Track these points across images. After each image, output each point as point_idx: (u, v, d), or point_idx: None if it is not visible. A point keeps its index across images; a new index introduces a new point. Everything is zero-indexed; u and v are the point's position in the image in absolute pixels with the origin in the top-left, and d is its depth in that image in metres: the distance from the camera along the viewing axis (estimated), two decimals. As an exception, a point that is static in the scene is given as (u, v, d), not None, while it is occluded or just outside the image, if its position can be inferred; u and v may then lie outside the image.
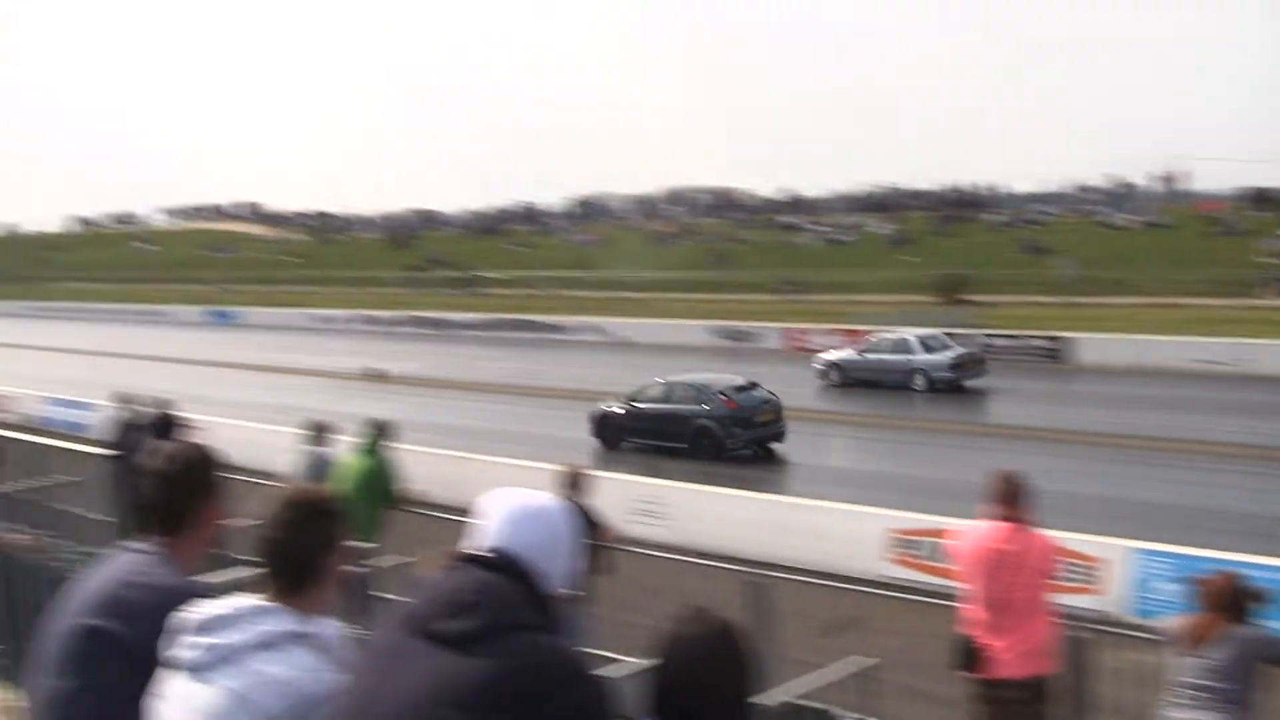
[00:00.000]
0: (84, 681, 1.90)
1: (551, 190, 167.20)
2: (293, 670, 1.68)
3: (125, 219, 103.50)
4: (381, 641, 1.62)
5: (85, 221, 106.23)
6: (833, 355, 20.67)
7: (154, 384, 16.04)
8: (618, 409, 14.80)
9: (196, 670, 1.69)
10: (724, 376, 15.12)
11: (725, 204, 71.55)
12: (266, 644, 1.70)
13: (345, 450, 7.49)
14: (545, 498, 1.71)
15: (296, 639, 1.71)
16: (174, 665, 1.72)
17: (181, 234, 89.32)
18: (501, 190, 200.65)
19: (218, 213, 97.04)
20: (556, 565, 1.64)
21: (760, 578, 4.96)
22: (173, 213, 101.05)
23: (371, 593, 5.60)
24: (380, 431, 7.63)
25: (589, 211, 77.30)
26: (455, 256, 57.49)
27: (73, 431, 16.20)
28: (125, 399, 9.58)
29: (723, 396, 14.17)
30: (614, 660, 3.90)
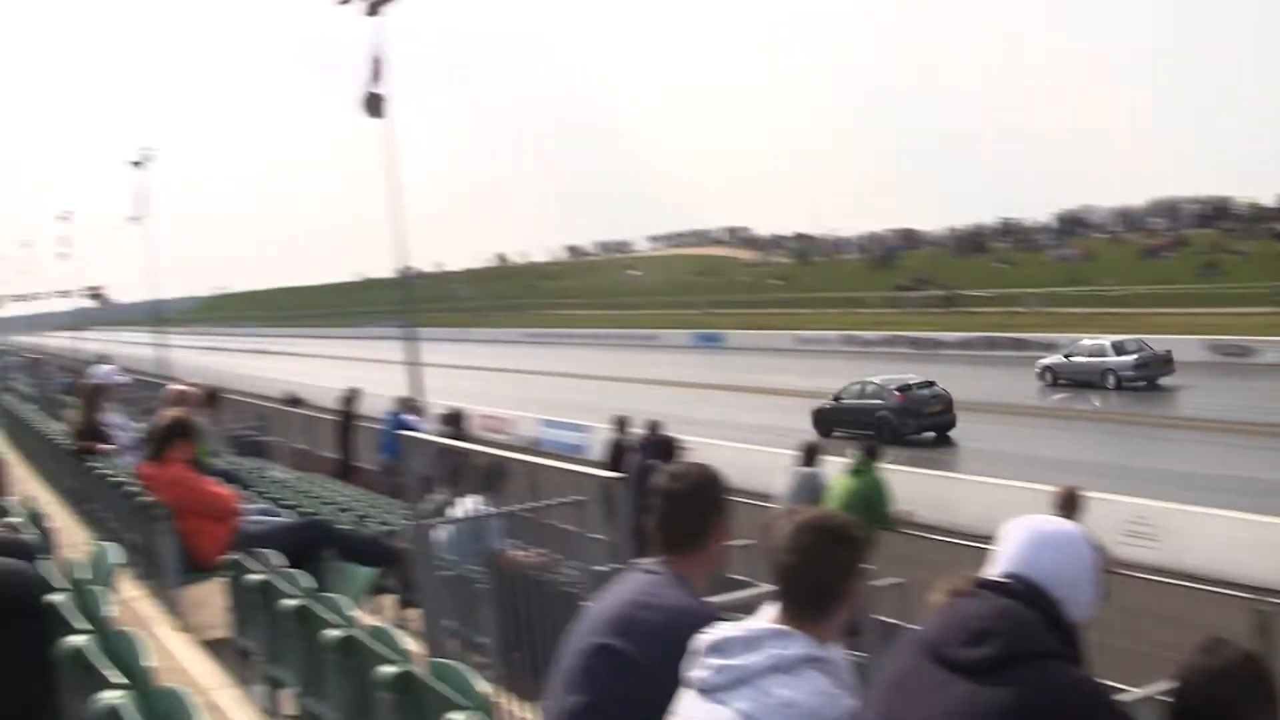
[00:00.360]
0: (596, 698, 2.63)
1: (1031, 204, 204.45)
2: (806, 694, 2.24)
3: (612, 246, 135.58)
4: (897, 668, 2.20)
5: (573, 250, 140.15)
6: (1047, 360, 34.14)
7: (647, 407, 21.14)
8: (828, 405, 27.13)
9: (710, 691, 2.32)
10: (901, 376, 27.17)
11: (1217, 213, 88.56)
12: (780, 667, 2.28)
13: (835, 471, 10.46)
14: (1066, 524, 2.32)
15: (810, 663, 2.29)
16: (689, 686, 2.36)
17: (668, 259, 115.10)
18: (981, 206, 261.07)
19: (702, 238, 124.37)
20: (1078, 592, 2.21)
21: (1270, 605, 6.54)
22: (658, 239, 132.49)
23: (866, 615, 7.38)
24: (870, 453, 10.79)
25: (1070, 226, 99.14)
26: (937, 274, 75.03)
27: (568, 453, 23.67)
28: (620, 421, 13.99)
29: (897, 392, 25.70)
30: (1114, 688, 5.03)
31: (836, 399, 27.20)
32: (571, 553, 5.22)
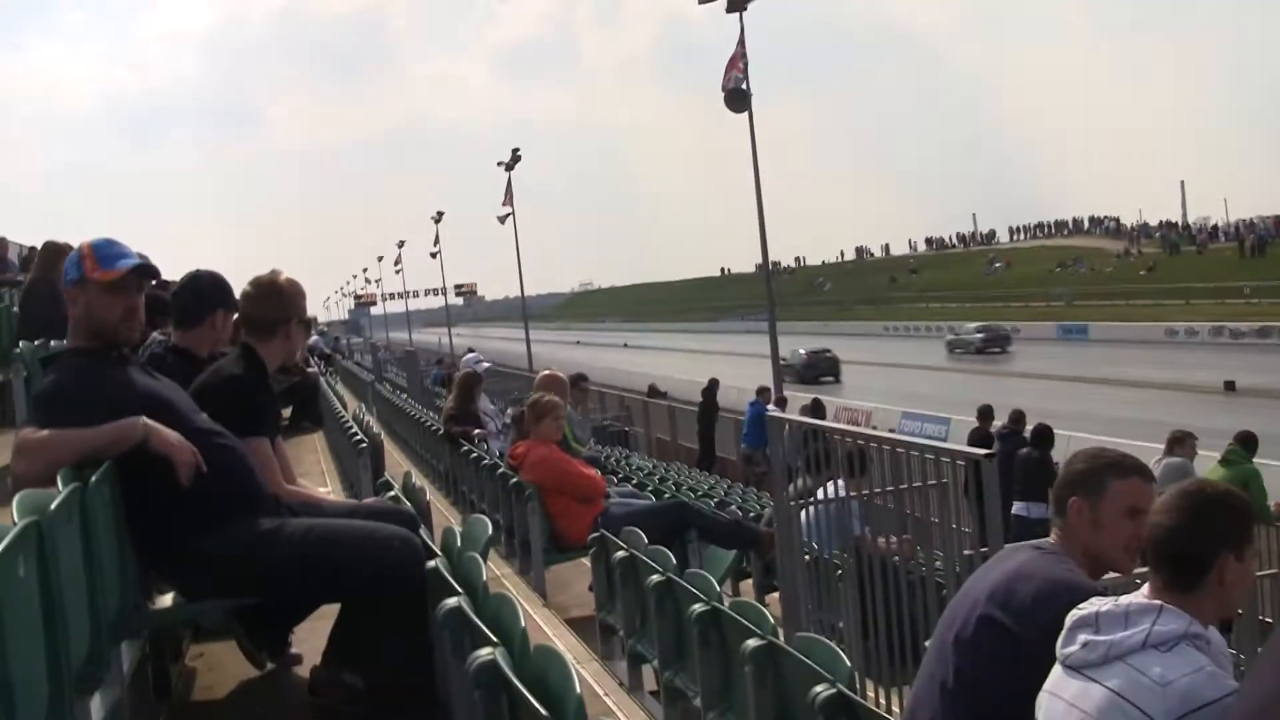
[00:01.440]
0: (971, 669, 2.74)
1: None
2: (1182, 672, 2.22)
3: (971, 238, 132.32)
4: None
5: (933, 242, 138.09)
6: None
7: (1008, 399, 20.37)
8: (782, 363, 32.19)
9: (1080, 668, 2.34)
10: (811, 347, 52.34)
11: None
12: (1155, 643, 2.28)
13: (1206, 463, 10.35)
14: None
15: (1188, 639, 2.28)
16: (1062, 661, 2.39)
17: (1031, 251, 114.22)
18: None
19: (1066, 228, 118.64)
20: None
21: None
22: (1021, 230, 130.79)
23: (1239, 608, 7.09)
24: (1245, 445, 10.68)
25: None
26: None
27: (931, 440, 23.87)
28: (984, 412, 15.14)
29: (804, 354, 51.48)
30: None
31: (784, 362, 34.19)
32: (933, 541, 5.14)
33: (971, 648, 2.74)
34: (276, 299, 4.22)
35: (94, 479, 3.07)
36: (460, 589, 3.11)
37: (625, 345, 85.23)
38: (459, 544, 3.81)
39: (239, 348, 4.21)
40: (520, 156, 58.60)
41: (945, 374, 47.42)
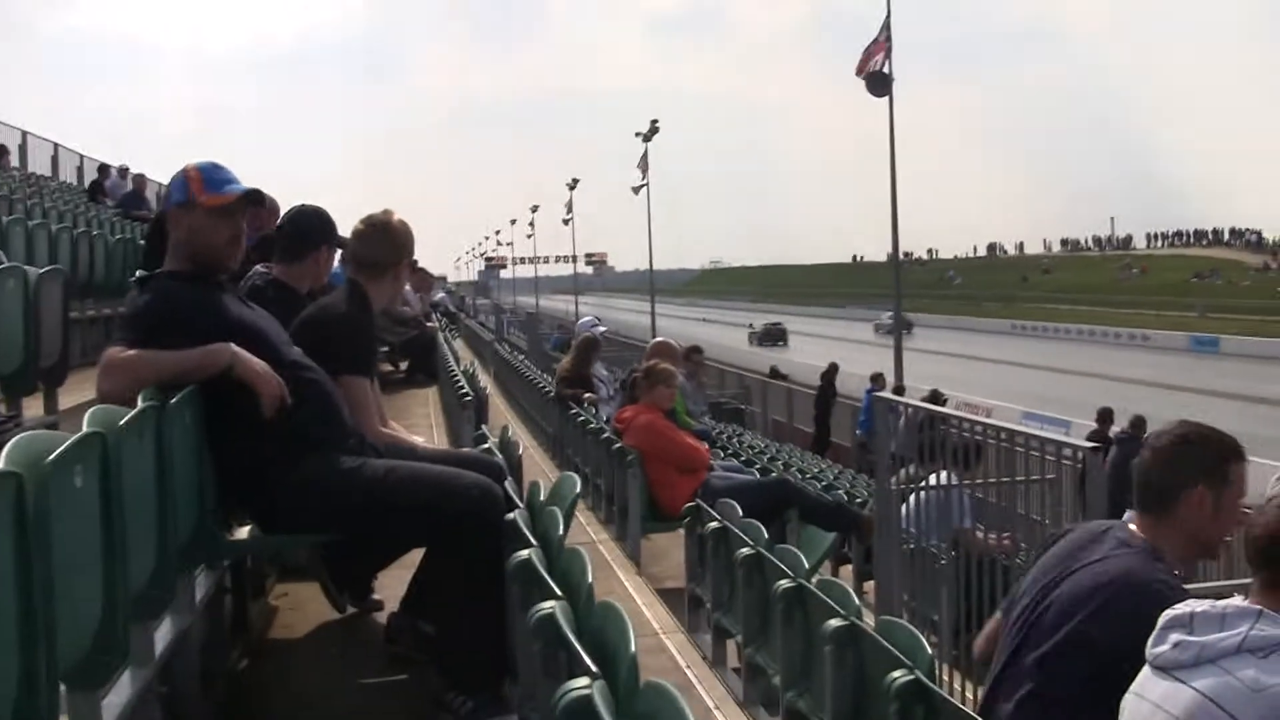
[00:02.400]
0: (1065, 682, 2.63)
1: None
2: (1277, 679, 2.12)
3: (1107, 242, 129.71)
4: None
5: (1069, 244, 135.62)
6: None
7: (1127, 406, 20.34)
8: (754, 331, 74.94)
9: (1171, 668, 2.25)
10: (769, 319, 79.81)
11: None
12: (1252, 647, 2.17)
13: None
14: None
15: None
16: (1151, 661, 2.31)
17: (1167, 259, 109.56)
18: None
19: (1206, 238, 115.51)
20: None
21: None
22: (1159, 238, 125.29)
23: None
24: None
25: None
26: None
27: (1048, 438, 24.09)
28: (1104, 415, 15.72)
29: (762, 325, 77.70)
30: None
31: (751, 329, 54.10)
32: (1038, 540, 4.95)
33: (1059, 659, 2.65)
34: (389, 239, 4.20)
35: (174, 400, 3.04)
36: (535, 542, 3.04)
37: (751, 327, 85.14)
38: (543, 497, 3.74)
39: (347, 285, 4.19)
40: (658, 128, 58.46)
41: (1069, 377, 46.46)
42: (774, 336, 74.46)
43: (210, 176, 3.55)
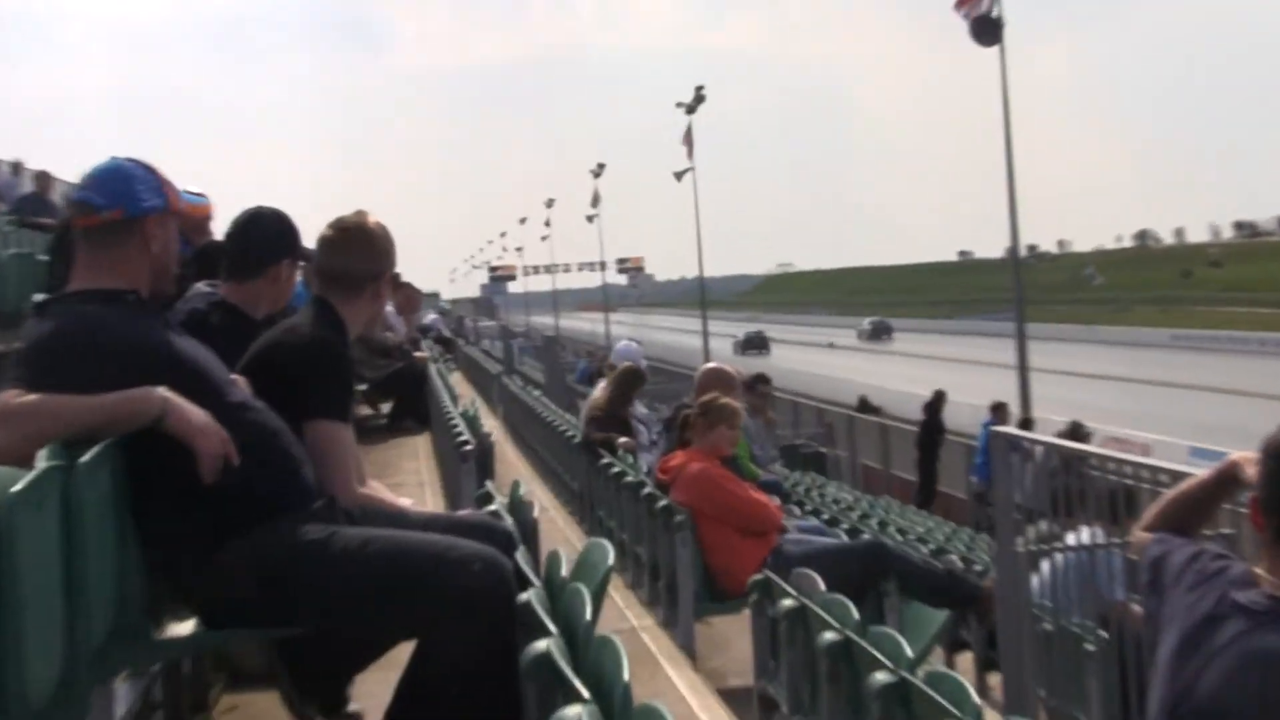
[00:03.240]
0: None
1: None
2: None
3: None
4: None
5: (1244, 226, 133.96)
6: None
7: None
8: (741, 339, 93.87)
9: None
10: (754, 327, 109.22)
11: None
12: None
13: None
14: None
15: None
16: None
17: None
18: None
19: None
20: None
21: None
22: None
23: None
24: None
25: None
26: None
27: None
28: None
29: (745, 333, 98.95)
30: None
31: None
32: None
33: None
34: (365, 248, 4.24)
35: (86, 459, 3.03)
36: (555, 630, 3.02)
37: (831, 345, 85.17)
38: (565, 572, 3.72)
39: (313, 306, 4.20)
40: (704, 96, 58.63)
41: (1256, 402, 45.93)
42: (755, 343, 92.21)
43: (167, 182, 3.66)
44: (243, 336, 4.29)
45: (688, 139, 59.95)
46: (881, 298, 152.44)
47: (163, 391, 3.32)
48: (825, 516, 11.24)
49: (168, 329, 3.64)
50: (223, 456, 3.36)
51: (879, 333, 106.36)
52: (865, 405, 33.11)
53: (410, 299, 15.04)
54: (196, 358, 3.61)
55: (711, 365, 10.50)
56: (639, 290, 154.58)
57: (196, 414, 3.35)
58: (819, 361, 75.63)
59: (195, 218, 4.97)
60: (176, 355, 3.53)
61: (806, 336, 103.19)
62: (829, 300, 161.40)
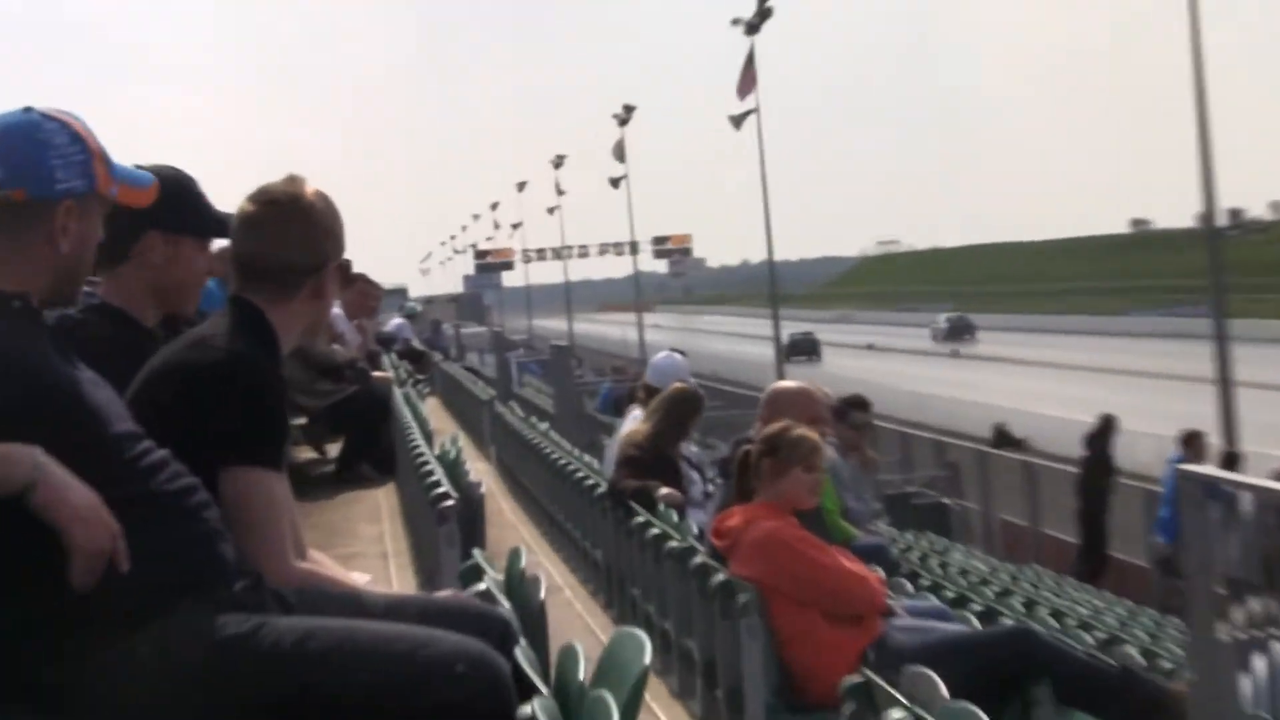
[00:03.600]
0: None
1: None
2: None
3: None
4: None
5: None
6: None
7: None
8: (787, 342, 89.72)
9: None
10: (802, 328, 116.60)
11: None
12: None
13: None
14: None
15: None
16: None
17: None
18: None
19: None
20: None
21: None
22: None
23: None
24: None
25: None
26: None
27: None
28: None
29: (793, 335, 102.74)
30: None
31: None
32: None
33: None
34: (302, 228, 4.23)
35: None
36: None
37: (955, 354, 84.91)
38: (584, 674, 3.74)
39: (231, 309, 4.19)
40: (771, 9, 58.36)
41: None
42: (803, 349, 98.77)
43: (106, 154, 3.77)
44: (132, 352, 4.29)
45: (747, 73, 59.66)
46: (1021, 285, 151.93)
47: (36, 454, 3.32)
48: (949, 594, 11.22)
49: (57, 352, 3.63)
50: (105, 556, 3.33)
51: (958, 332, 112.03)
52: (1003, 437, 32.99)
53: (366, 298, 15.10)
54: (92, 397, 3.60)
55: (785, 384, 10.42)
56: (685, 280, 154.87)
57: (78, 493, 3.32)
58: (901, 372, 75.51)
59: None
60: (61, 389, 3.53)
61: (893, 338, 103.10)
62: (947, 289, 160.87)
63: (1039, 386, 62.21)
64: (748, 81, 59.44)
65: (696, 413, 11.06)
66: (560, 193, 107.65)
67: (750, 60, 59.16)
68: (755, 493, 7.93)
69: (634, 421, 11.67)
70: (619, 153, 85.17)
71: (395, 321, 24.51)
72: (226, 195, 4.86)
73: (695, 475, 10.84)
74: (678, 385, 11.14)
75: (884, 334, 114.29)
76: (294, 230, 4.22)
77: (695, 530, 9.27)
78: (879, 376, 69.17)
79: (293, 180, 4.30)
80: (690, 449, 11.26)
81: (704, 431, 15.79)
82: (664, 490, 10.19)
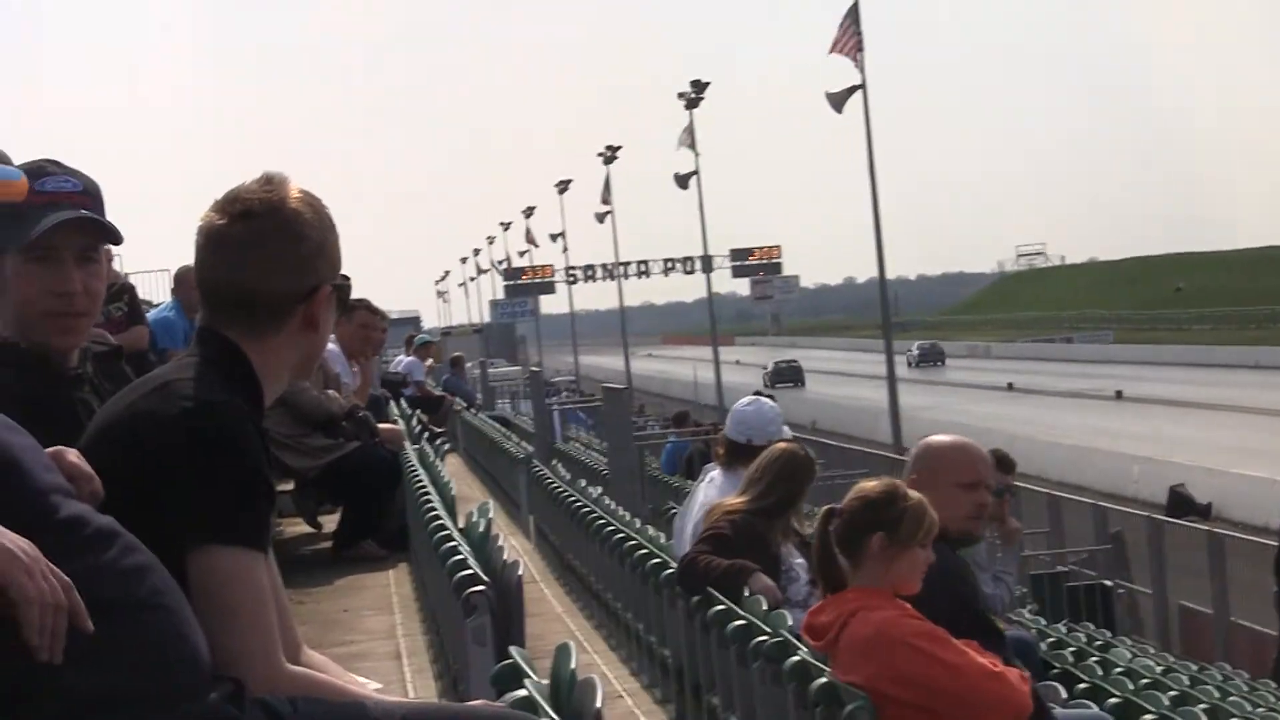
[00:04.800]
0: None
1: None
2: None
3: None
4: None
5: None
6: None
7: None
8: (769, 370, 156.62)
9: None
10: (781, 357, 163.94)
11: None
12: None
13: None
14: None
15: None
16: None
17: None
18: None
19: None
20: None
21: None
22: None
23: None
24: None
25: None
26: None
27: None
28: None
29: (771, 364, 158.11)
30: None
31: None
32: None
33: None
34: (285, 240, 4.23)
35: None
36: None
37: (1119, 395, 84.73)
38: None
39: (199, 346, 4.20)
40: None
41: None
42: (787, 376, 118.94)
43: None
44: (50, 399, 4.33)
45: (848, 32, 59.42)
46: (1206, 308, 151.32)
47: None
48: (1113, 700, 11.19)
49: None
50: (61, 636, 3.35)
51: (929, 359, 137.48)
52: (1182, 501, 32.93)
53: (369, 330, 15.03)
54: (19, 453, 3.66)
55: (939, 438, 10.03)
56: (773, 304, 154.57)
57: (9, 537, 3.38)
58: (1045, 421, 75.28)
59: None
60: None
61: (1038, 375, 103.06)
62: (1115, 311, 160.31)
63: (1228, 437, 61.75)
64: (847, 41, 58.69)
65: (804, 479, 10.89)
66: (606, 197, 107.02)
67: (854, 12, 58.59)
68: (846, 574, 7.84)
69: (714, 486, 11.53)
70: (688, 140, 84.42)
71: (405, 360, 24.56)
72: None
73: (800, 569, 10.63)
74: (782, 446, 10.92)
75: (1027, 371, 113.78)
76: (276, 247, 4.20)
77: (790, 623, 9.20)
78: (1016, 425, 69.08)
79: (271, 182, 4.28)
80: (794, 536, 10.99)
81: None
82: (760, 577, 10.10)
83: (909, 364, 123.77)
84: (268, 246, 4.20)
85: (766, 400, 13.63)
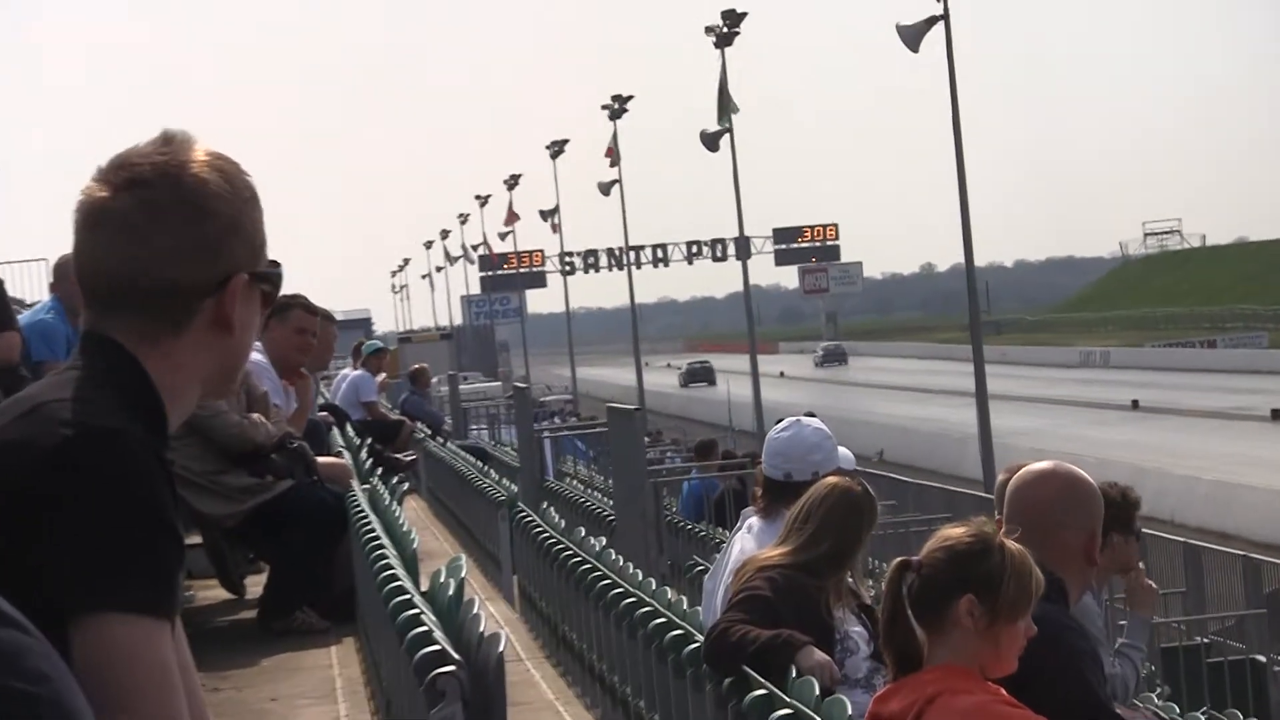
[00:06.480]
0: None
1: None
2: None
3: None
4: None
5: None
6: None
7: None
8: (684, 370, 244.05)
9: None
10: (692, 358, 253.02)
11: None
12: None
13: None
14: None
15: None
16: None
17: None
18: None
19: None
20: None
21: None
22: None
23: None
24: None
25: None
26: None
27: None
28: None
29: (685, 365, 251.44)
30: None
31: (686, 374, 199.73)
32: None
33: None
34: (188, 214, 4.17)
35: None
36: None
37: (1275, 415, 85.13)
38: None
39: (84, 352, 4.20)
40: None
41: None
42: (699, 376, 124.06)
43: None
44: None
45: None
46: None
47: None
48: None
49: None
50: None
51: (832, 359, 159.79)
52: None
53: (307, 336, 14.98)
54: None
55: (1038, 467, 9.68)
56: (829, 298, 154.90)
57: None
58: (1263, 455, 75.30)
59: None
60: None
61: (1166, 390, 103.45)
62: (1266, 308, 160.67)
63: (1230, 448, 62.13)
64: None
65: (866, 529, 10.75)
66: (611, 160, 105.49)
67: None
68: (923, 648, 7.75)
69: (751, 537, 11.40)
70: (721, 96, 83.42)
71: (351, 374, 24.60)
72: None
73: (859, 639, 10.44)
74: (832, 481, 10.64)
75: (1157, 384, 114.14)
76: (175, 224, 4.14)
77: (850, 712, 9.14)
78: (1143, 454, 69.39)
79: (170, 142, 4.22)
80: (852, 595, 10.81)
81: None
82: (810, 651, 9.92)
83: (815, 364, 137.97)
84: (164, 223, 4.13)
85: (810, 421, 12.85)
